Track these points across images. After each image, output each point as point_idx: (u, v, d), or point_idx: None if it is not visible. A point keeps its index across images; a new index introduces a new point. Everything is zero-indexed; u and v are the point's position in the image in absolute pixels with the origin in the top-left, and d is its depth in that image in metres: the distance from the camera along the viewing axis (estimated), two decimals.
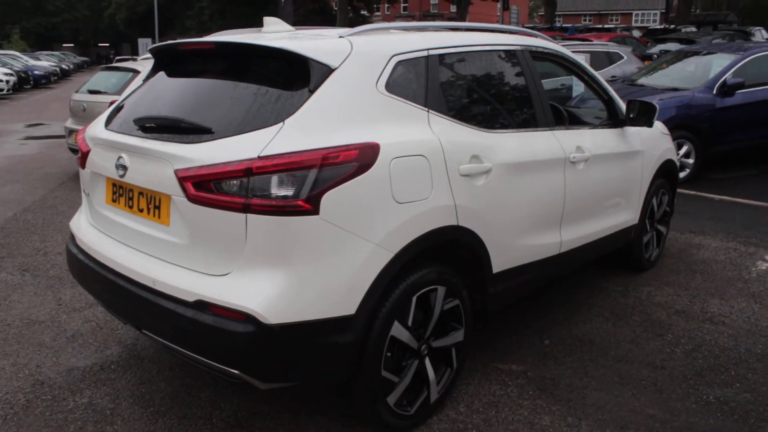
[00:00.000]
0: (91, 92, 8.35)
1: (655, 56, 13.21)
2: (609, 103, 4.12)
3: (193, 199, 2.35)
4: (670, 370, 3.39)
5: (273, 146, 2.26)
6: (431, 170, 2.63)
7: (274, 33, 3.02)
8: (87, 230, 3.04)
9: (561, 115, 4.12)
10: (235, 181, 2.26)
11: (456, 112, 2.91)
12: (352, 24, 32.13)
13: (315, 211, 2.24)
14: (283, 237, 2.25)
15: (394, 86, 2.65)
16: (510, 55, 3.38)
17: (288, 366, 2.36)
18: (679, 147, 7.52)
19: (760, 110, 7.91)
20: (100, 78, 8.70)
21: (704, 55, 8.95)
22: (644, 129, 4.33)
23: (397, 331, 2.57)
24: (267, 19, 3.17)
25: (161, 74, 3.07)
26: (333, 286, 2.34)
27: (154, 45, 3.20)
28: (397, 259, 2.46)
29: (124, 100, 3.18)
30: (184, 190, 2.37)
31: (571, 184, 3.52)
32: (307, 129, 2.34)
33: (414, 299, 2.61)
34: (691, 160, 7.74)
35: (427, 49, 2.87)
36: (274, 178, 2.23)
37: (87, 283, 3.01)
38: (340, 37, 2.70)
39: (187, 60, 3.00)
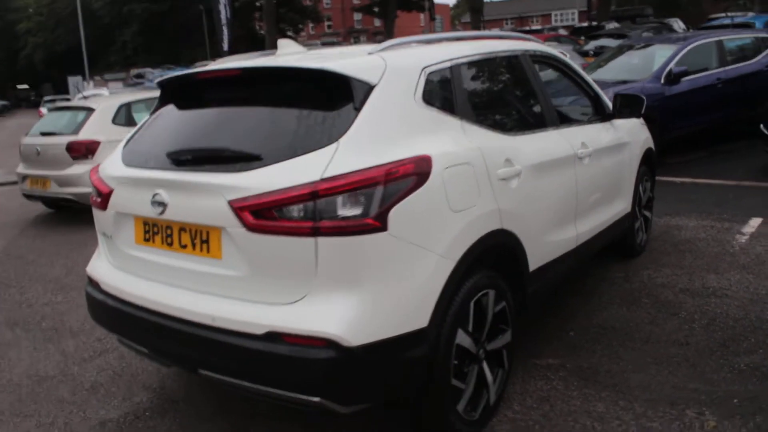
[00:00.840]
0: (44, 134, 8.03)
1: (591, 53, 13.75)
2: (596, 98, 4.29)
3: (252, 229, 2.30)
4: (695, 345, 3.54)
5: (334, 167, 2.26)
6: (476, 177, 2.69)
7: (294, 54, 3.01)
8: (114, 274, 2.92)
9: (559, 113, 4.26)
10: (299, 206, 2.23)
11: (482, 118, 2.98)
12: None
13: (383, 227, 2.25)
14: (355, 257, 2.25)
15: (428, 98, 2.69)
16: (516, 59, 3.49)
17: (369, 387, 2.34)
18: None
19: (703, 95, 8.35)
20: (51, 119, 8.39)
21: (645, 47, 9.39)
22: (627, 121, 4.52)
23: (461, 338, 2.59)
24: (281, 42, 3.16)
25: (175, 105, 3.00)
26: (406, 300, 2.34)
27: (164, 77, 3.12)
28: (458, 267, 2.49)
29: (135, 135, 3.09)
30: (241, 220, 2.32)
31: (580, 178, 3.64)
32: (362, 147, 2.34)
33: (471, 305, 2.64)
34: None
35: (450, 60, 2.92)
36: (341, 199, 2.22)
37: (122, 329, 2.89)
38: (369, 54, 2.72)
39: (208, 88, 2.94)
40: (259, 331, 2.29)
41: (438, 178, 2.46)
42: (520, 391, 3.16)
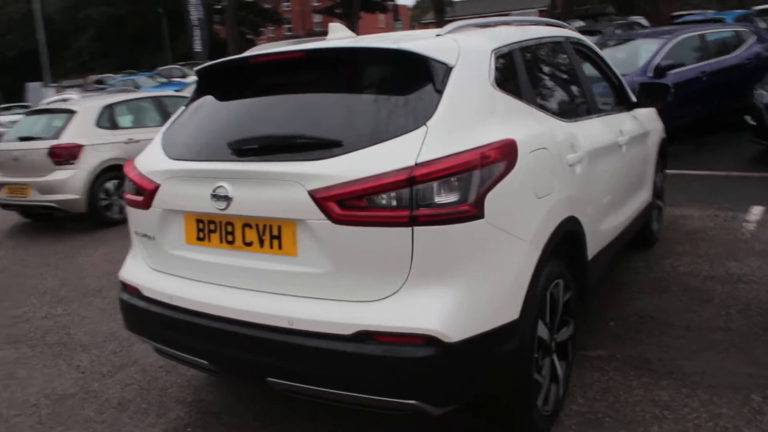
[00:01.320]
0: (23, 139, 7.64)
1: None
2: (621, 87, 4.26)
3: (339, 220, 2.15)
4: (737, 330, 3.53)
5: (427, 152, 2.13)
6: (553, 162, 2.61)
7: (348, 38, 2.87)
8: (158, 279, 2.71)
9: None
10: (393, 193, 2.10)
11: (544, 103, 2.90)
12: (242, 49, 31.56)
13: (480, 214, 2.13)
14: (452, 246, 2.12)
15: (499, 81, 2.58)
16: (561, 46, 3.43)
17: (465, 385, 2.22)
18: None
19: (689, 88, 8.48)
20: (29, 123, 8.02)
21: (628, 42, 9.50)
22: (646, 110, 4.51)
23: (541, 330, 2.51)
24: (333, 25, 3.02)
25: (222, 93, 2.82)
26: (500, 291, 2.24)
27: (205, 64, 2.94)
28: (543, 256, 2.41)
29: (175, 127, 2.88)
30: (325, 211, 2.17)
31: (621, 166, 3.61)
32: (451, 130, 2.22)
33: (547, 295, 2.56)
34: None
35: (515, 43, 2.85)
36: (438, 185, 2.10)
37: (171, 338, 2.68)
38: (438, 35, 2.61)
39: (262, 73, 2.75)
40: (348, 332, 2.14)
41: (524, 163, 2.37)
42: (579, 383, 3.09)
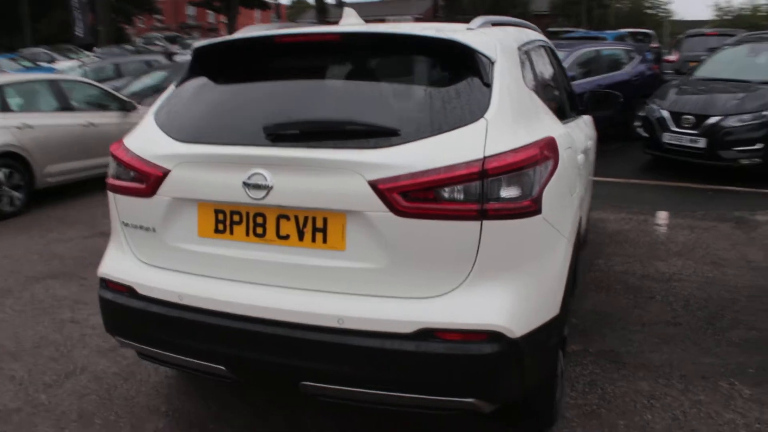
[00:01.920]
0: None
1: None
2: (572, 94, 4.49)
3: (403, 213, 2.07)
4: (686, 324, 3.85)
5: (492, 145, 2.10)
6: (574, 161, 2.69)
7: (362, 25, 2.77)
8: (157, 275, 2.46)
9: None
10: (463, 186, 2.05)
11: (548, 103, 2.98)
12: (114, 37, 29.69)
13: (539, 210, 2.14)
14: (513, 241, 2.12)
15: (525, 79, 2.61)
16: (546, 49, 3.55)
17: (519, 381, 2.21)
18: None
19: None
20: None
21: None
22: (587, 117, 4.80)
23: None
24: (347, 11, 2.90)
25: (239, 72, 2.63)
26: (549, 287, 2.27)
27: (207, 42, 2.69)
28: (574, 252, 2.47)
29: (176, 107, 2.59)
30: (389, 203, 2.07)
31: (589, 169, 3.81)
32: (507, 124, 2.21)
33: None
34: None
35: (526, 43, 2.91)
36: (507, 179, 2.08)
37: (176, 342, 2.43)
38: (470, 29, 2.58)
39: (288, 54, 2.58)
40: (408, 330, 2.07)
41: (562, 161, 2.41)
42: (566, 378, 3.22)
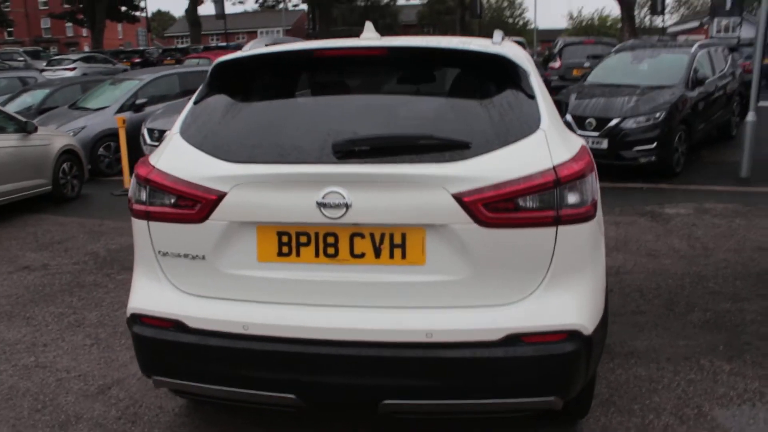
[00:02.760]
0: None
1: None
2: None
3: (488, 223, 2.15)
4: (650, 312, 4.22)
5: (556, 155, 2.23)
6: None
7: (389, 39, 2.81)
8: (210, 306, 2.35)
9: None
10: (540, 195, 2.17)
11: None
12: None
13: (595, 214, 2.30)
14: (580, 244, 2.27)
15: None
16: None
17: (587, 374, 2.35)
18: None
19: None
20: None
21: None
22: None
23: None
24: (367, 24, 2.93)
25: (272, 87, 2.61)
26: (601, 284, 2.44)
27: (231, 57, 2.62)
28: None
29: (206, 124, 2.48)
30: (474, 214, 2.14)
31: None
32: (558, 134, 2.35)
33: None
34: None
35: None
36: (573, 186, 2.22)
37: (233, 376, 2.34)
38: (495, 44, 2.65)
39: (330, 68, 2.58)
40: (496, 337, 2.16)
41: None
42: None
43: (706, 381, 3.32)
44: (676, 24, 52.41)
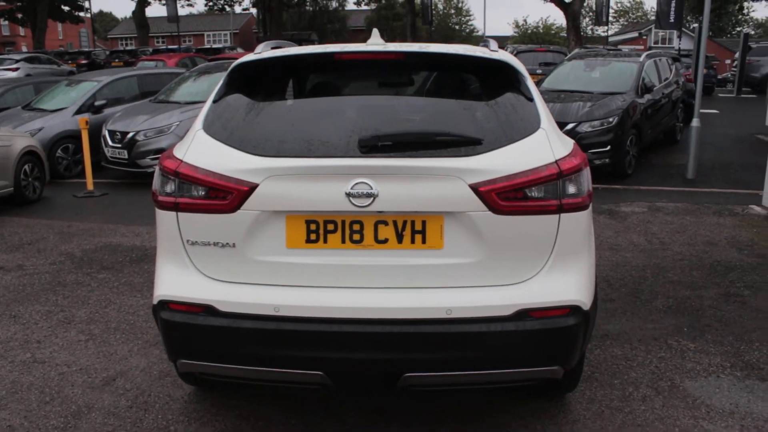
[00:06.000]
0: None
1: None
2: None
3: (501, 211, 2.39)
4: (618, 300, 4.57)
5: (557, 150, 2.50)
6: None
7: (403, 44, 3.02)
8: (241, 290, 2.50)
9: None
10: (545, 186, 2.43)
11: None
12: None
13: (589, 204, 2.58)
14: (579, 230, 2.54)
15: None
16: None
17: (583, 346, 2.62)
18: None
19: None
20: None
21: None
22: None
23: None
24: (375, 31, 3.14)
25: (292, 87, 2.81)
26: (593, 265, 2.70)
27: (253, 57, 2.79)
28: None
29: (231, 121, 2.63)
30: (488, 203, 2.38)
31: None
32: (555, 132, 2.62)
33: None
34: None
35: None
36: (574, 178, 2.49)
37: (263, 356, 2.50)
38: (494, 50, 2.89)
39: (348, 70, 2.79)
40: (508, 312, 2.40)
41: None
42: None
43: (675, 358, 3.66)
44: (616, 34, 54.55)
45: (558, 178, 2.45)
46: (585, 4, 32.82)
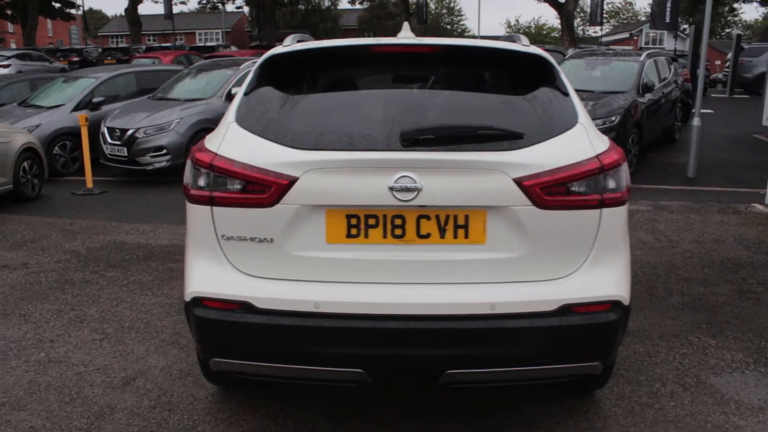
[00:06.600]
0: None
1: None
2: None
3: (544, 205, 2.36)
4: (634, 297, 4.43)
5: (597, 145, 2.48)
6: None
7: (438, 38, 2.99)
8: (279, 287, 2.44)
9: None
10: (587, 181, 2.41)
11: None
12: None
13: (628, 198, 2.55)
14: (619, 225, 2.52)
15: None
16: None
17: (621, 341, 2.60)
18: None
19: None
20: None
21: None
22: None
23: None
24: (405, 25, 3.10)
25: (328, 79, 2.79)
26: (629, 260, 2.66)
27: (284, 50, 2.75)
28: None
29: (265, 113, 2.56)
30: (531, 197, 2.36)
31: None
32: (592, 127, 2.60)
33: None
34: None
35: None
36: (614, 173, 2.47)
37: (302, 354, 2.44)
38: (525, 45, 2.89)
39: (383, 63, 2.75)
40: (552, 307, 2.37)
41: None
42: None
43: (697, 354, 3.66)
44: (607, 34, 54.80)
45: (600, 172, 2.44)
46: (578, 5, 32.99)
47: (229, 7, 52.21)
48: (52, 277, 5.25)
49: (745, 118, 14.65)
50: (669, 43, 31.96)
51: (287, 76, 2.76)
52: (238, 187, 2.45)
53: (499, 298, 2.39)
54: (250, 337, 2.48)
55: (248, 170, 2.43)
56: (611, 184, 2.47)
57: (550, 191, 2.39)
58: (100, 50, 28.02)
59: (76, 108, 10.13)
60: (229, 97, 9.82)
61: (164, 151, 9.06)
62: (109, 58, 24.20)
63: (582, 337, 2.44)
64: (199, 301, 2.53)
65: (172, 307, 4.49)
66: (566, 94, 2.67)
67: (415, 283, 2.44)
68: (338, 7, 58.45)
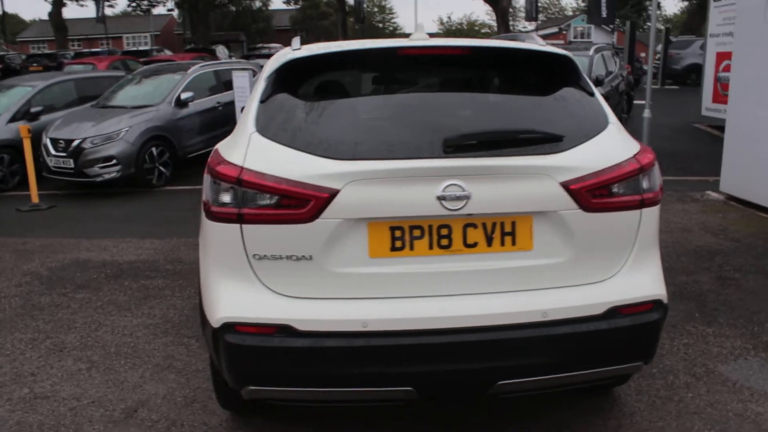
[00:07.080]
0: None
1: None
2: None
3: (591, 208, 2.34)
4: None
5: (630, 147, 2.49)
6: None
7: (465, 40, 2.91)
8: (320, 307, 2.30)
9: None
10: (628, 182, 2.40)
11: None
12: None
13: (661, 198, 2.56)
14: (654, 225, 2.53)
15: None
16: None
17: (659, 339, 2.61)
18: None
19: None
20: None
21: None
22: None
23: None
24: (418, 25, 3.01)
25: (356, 83, 2.70)
26: (660, 258, 2.67)
27: (308, 53, 2.60)
28: None
29: (290, 121, 2.41)
30: (579, 201, 2.33)
31: None
32: (622, 127, 2.61)
33: None
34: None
35: None
36: (651, 174, 2.48)
37: (348, 376, 2.31)
38: (543, 45, 2.84)
39: (411, 66, 2.66)
40: (600, 311, 2.35)
41: None
42: None
43: (699, 343, 3.75)
44: (537, 29, 56.23)
45: (639, 173, 2.44)
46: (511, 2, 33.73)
47: (160, 10, 50.59)
48: (16, 302, 4.89)
49: (681, 107, 15.27)
50: (597, 37, 33.07)
51: (308, 81, 2.63)
52: (272, 202, 2.28)
53: (550, 304, 2.36)
54: (291, 362, 2.32)
55: (283, 184, 2.27)
56: (648, 184, 2.48)
57: (595, 194, 2.37)
58: (23, 57, 26.61)
59: (13, 119, 9.55)
60: (179, 102, 9.60)
61: (114, 161, 8.66)
62: (35, 65, 23.02)
63: (628, 338, 2.44)
64: (231, 327, 2.33)
65: (157, 328, 4.26)
66: (592, 94, 2.66)
67: (464, 294, 2.36)
68: (269, 8, 57.67)
